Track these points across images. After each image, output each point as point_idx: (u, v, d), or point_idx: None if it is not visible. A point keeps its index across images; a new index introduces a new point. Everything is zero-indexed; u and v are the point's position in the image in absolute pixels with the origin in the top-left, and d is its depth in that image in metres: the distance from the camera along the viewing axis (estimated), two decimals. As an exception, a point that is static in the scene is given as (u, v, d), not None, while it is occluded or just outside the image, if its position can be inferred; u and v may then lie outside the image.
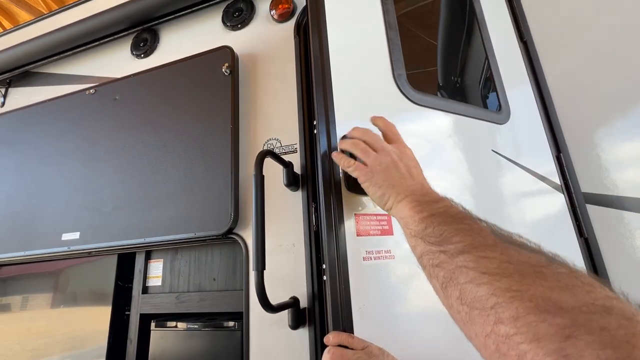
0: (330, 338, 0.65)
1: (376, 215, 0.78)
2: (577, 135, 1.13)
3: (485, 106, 1.17)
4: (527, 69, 1.22)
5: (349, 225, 0.75)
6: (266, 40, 1.15)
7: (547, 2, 1.30)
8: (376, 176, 0.63)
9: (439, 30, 1.21)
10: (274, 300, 0.75)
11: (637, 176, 1.06)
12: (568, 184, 1.09)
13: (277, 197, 0.96)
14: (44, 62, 1.52)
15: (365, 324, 0.69)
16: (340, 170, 0.77)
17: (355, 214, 0.76)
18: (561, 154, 1.10)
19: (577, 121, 1.14)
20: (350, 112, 0.83)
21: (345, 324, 0.67)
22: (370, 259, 0.74)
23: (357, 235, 0.75)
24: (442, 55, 1.21)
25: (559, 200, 1.08)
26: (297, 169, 0.96)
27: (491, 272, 0.33)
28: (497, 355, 0.27)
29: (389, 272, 0.75)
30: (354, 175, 0.67)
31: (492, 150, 1.01)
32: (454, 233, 0.41)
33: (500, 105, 1.10)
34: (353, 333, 0.67)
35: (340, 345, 0.64)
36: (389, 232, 0.78)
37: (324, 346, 0.81)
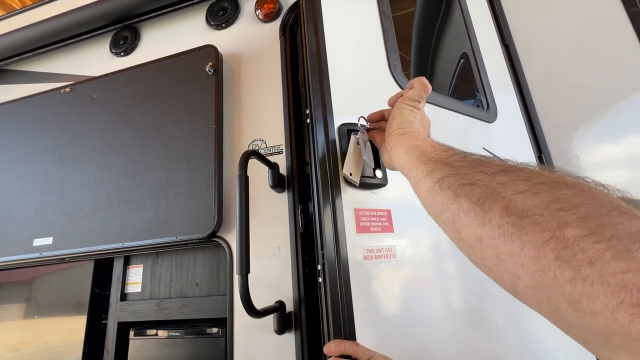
0: (332, 347, 0.58)
1: (376, 210, 0.74)
2: (557, 136, 1.16)
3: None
4: (509, 72, 1.25)
5: (349, 221, 0.69)
6: (251, 40, 1.13)
7: (528, 7, 1.34)
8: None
9: (421, 29, 1.22)
10: (259, 304, 0.73)
11: (614, 177, 1.10)
12: (551, 185, 1.10)
13: (262, 199, 0.94)
14: (16, 59, 1.46)
15: (368, 329, 0.63)
16: (339, 157, 0.73)
17: (354, 209, 0.71)
18: (542, 155, 1.12)
19: (557, 123, 1.17)
20: (346, 102, 0.80)
21: (348, 331, 0.61)
22: (372, 257, 0.69)
23: (357, 232, 0.69)
24: (429, 54, 1.22)
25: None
26: (283, 170, 0.94)
27: (548, 183, 0.31)
28: (557, 263, 0.26)
29: (392, 272, 0.71)
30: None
31: (483, 148, 1.01)
32: (488, 161, 0.40)
33: (488, 104, 1.12)
34: (355, 340, 0.61)
35: (343, 356, 0.57)
36: (390, 229, 0.74)
37: (310, 351, 0.80)
